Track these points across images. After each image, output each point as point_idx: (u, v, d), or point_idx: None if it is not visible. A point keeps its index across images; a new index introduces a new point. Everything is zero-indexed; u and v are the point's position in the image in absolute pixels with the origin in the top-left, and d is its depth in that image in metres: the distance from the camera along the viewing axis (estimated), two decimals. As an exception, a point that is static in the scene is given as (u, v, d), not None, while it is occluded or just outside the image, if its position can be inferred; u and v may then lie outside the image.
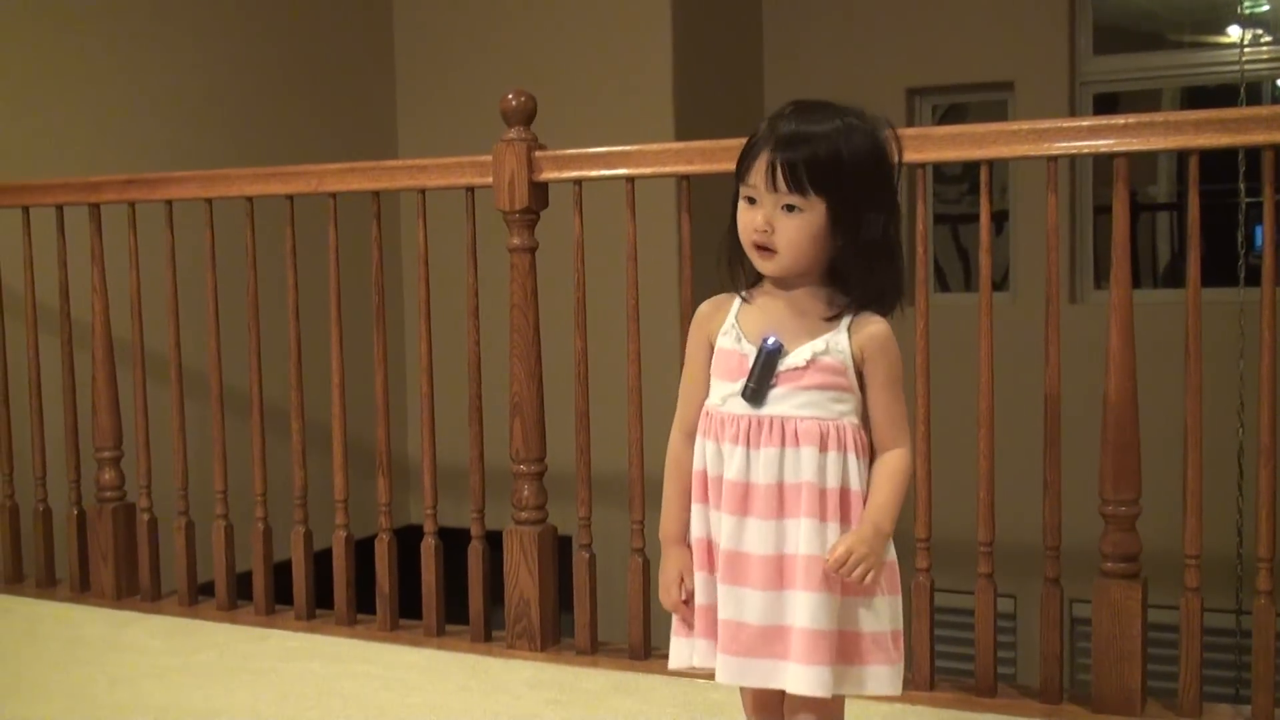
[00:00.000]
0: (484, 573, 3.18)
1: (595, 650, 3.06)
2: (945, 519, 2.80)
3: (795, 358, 1.76)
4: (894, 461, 1.79)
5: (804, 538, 1.74)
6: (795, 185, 1.72)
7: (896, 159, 1.80)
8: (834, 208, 1.73)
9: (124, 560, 3.60)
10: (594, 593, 3.08)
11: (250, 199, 3.37)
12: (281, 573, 3.44)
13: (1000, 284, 5.93)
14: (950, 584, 3.14)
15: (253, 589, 3.44)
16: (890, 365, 1.78)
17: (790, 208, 1.73)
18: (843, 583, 1.74)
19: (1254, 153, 3.93)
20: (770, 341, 1.77)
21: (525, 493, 3.08)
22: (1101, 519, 2.59)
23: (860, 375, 1.78)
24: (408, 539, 3.35)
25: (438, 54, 5.95)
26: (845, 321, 1.78)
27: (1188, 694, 2.55)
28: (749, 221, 1.77)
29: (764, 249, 1.76)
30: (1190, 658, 2.54)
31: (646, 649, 3.00)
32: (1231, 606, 4.44)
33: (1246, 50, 5.47)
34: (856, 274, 1.77)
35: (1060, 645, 2.65)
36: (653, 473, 2.94)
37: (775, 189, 1.73)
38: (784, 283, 1.81)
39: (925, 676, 2.72)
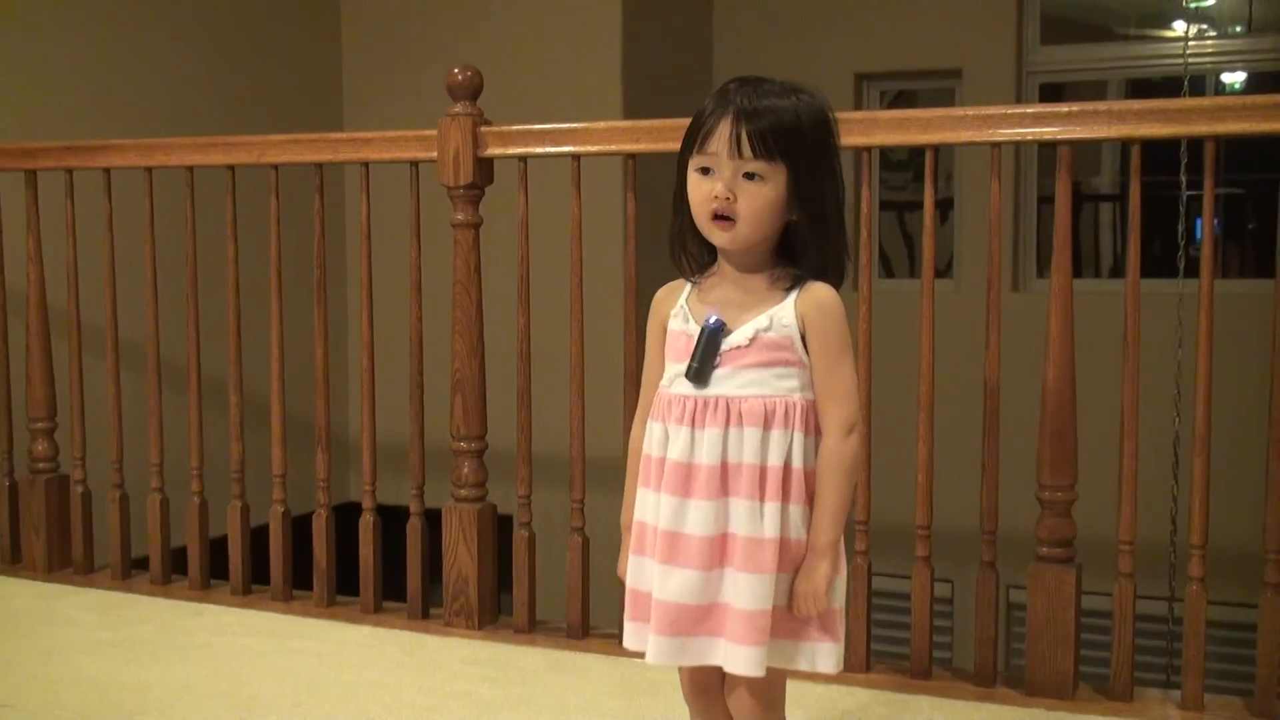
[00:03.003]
0: (422, 550, 3.17)
1: (533, 629, 3.06)
2: (884, 502, 2.82)
3: (738, 336, 1.75)
4: (826, 459, 1.76)
5: (743, 518, 1.73)
6: (762, 151, 1.71)
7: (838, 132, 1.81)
8: (795, 176, 1.72)
9: (56, 533, 3.56)
10: (533, 571, 3.08)
11: (190, 169, 3.33)
12: (218, 548, 3.41)
13: (944, 271, 5.97)
14: (888, 568, 3.15)
15: (188, 564, 3.41)
16: (828, 330, 1.76)
17: (751, 175, 1.72)
18: (784, 560, 1.73)
19: (1196, 146, 3.97)
20: (712, 321, 1.76)
21: (465, 470, 3.07)
22: (1038, 504, 2.61)
23: (806, 344, 1.77)
24: (346, 515, 3.33)
25: (384, 26, 5.90)
26: (793, 293, 1.77)
27: (1119, 679, 2.57)
28: (706, 191, 1.74)
29: (723, 218, 1.74)
30: (1122, 643, 2.57)
31: (585, 628, 3.00)
32: (1165, 593, 4.50)
33: (1190, 44, 5.52)
34: (814, 245, 1.76)
35: (995, 629, 2.68)
36: (594, 453, 2.95)
37: (740, 155, 1.71)
38: (735, 261, 1.79)
39: (861, 659, 2.73)
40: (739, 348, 1.75)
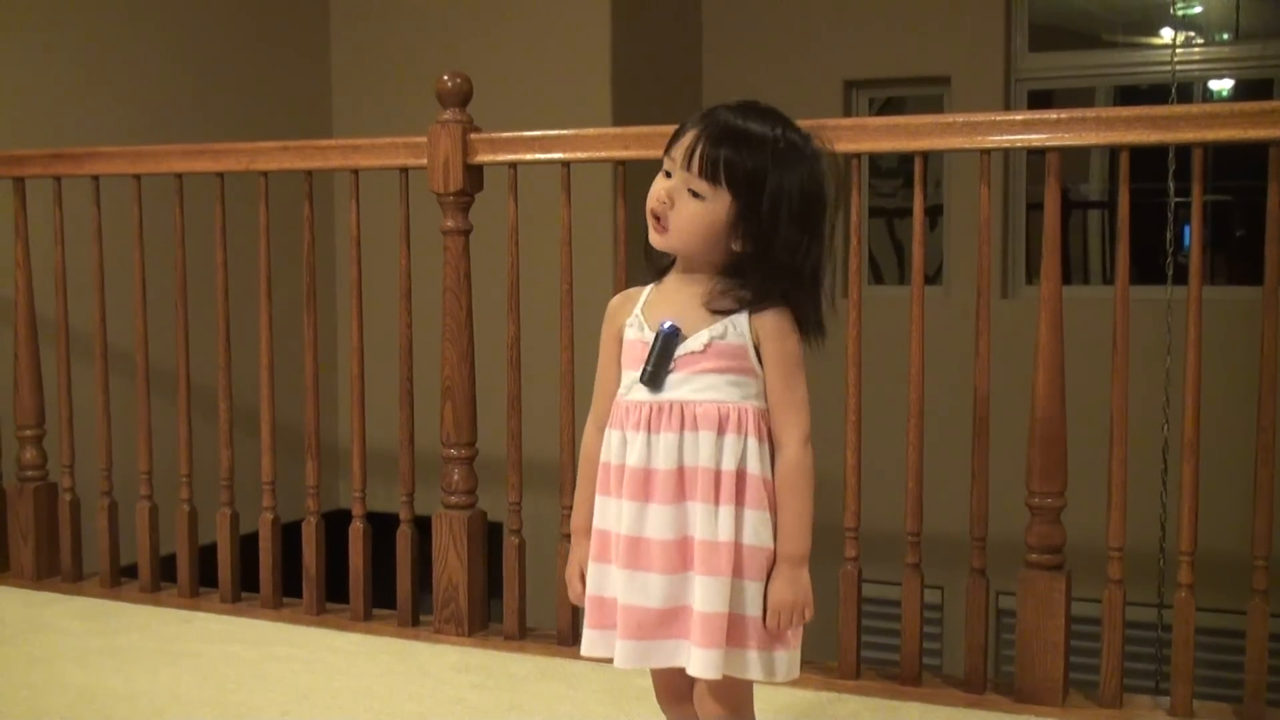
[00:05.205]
0: (412, 557, 3.16)
1: (523, 636, 3.06)
2: (874, 509, 2.82)
3: (693, 342, 1.77)
4: (789, 470, 1.78)
5: (699, 522, 1.75)
6: (709, 174, 1.74)
7: (830, 190, 1.81)
8: (741, 208, 1.74)
9: (45, 540, 3.55)
10: (523, 578, 3.07)
11: (180, 176, 3.32)
12: (207, 556, 3.40)
13: (933, 278, 5.97)
14: (879, 574, 3.15)
15: (177, 571, 3.40)
16: (783, 343, 1.77)
17: (695, 193, 1.75)
18: (740, 565, 1.75)
19: (1184, 153, 3.97)
20: (666, 326, 1.78)
21: (455, 477, 3.06)
22: (1028, 511, 2.61)
23: (760, 356, 1.78)
24: (336, 522, 3.32)
25: (374, 33, 5.88)
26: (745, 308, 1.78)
27: (1109, 685, 2.57)
28: (655, 190, 1.78)
29: (657, 219, 1.78)
30: (1112, 649, 2.57)
31: (574, 635, 2.99)
32: (1154, 600, 4.50)
33: (1178, 51, 5.53)
34: (760, 283, 1.77)
35: (985, 636, 2.67)
36: (583, 459, 2.94)
37: (689, 169, 1.75)
38: (689, 267, 1.82)
39: (851, 665, 2.73)
40: (693, 353, 1.77)
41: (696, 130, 1.75)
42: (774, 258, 1.76)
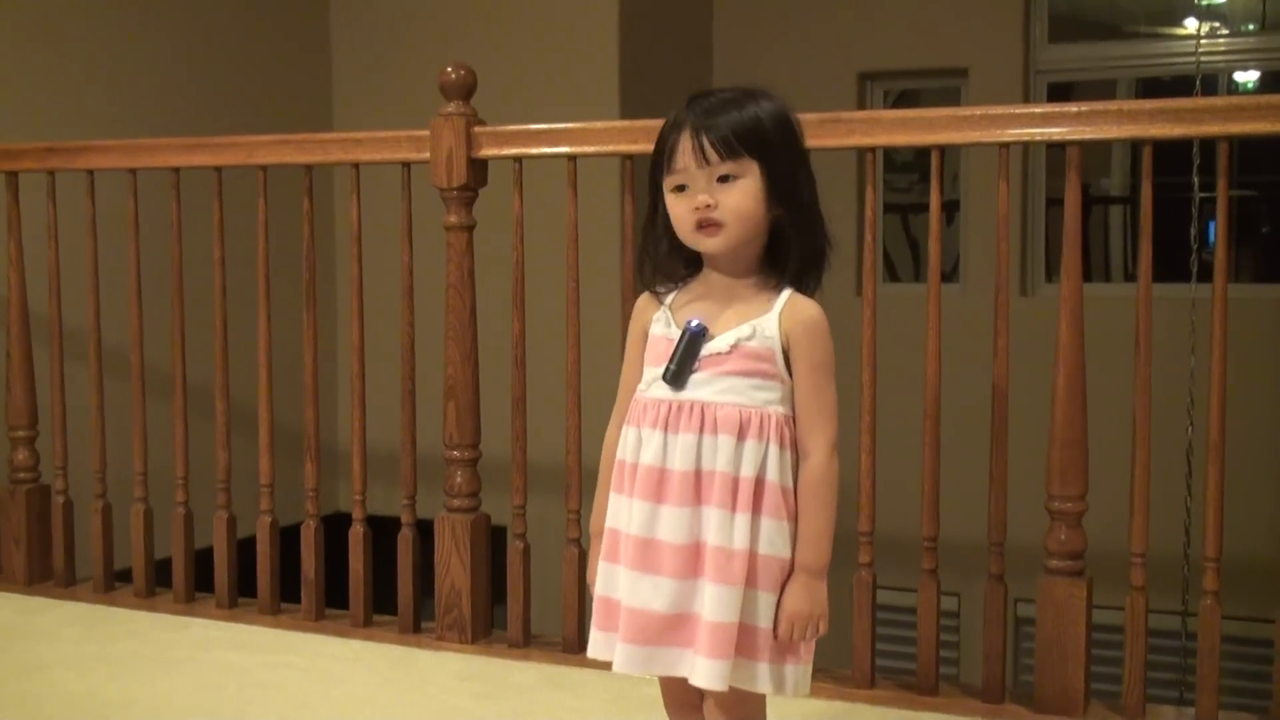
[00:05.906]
0: (414, 562, 3.12)
1: (528, 643, 3.02)
2: (890, 514, 2.78)
3: (719, 343, 1.76)
4: (814, 479, 1.76)
5: (713, 528, 1.73)
6: (728, 152, 1.73)
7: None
8: (768, 171, 1.74)
9: (37, 544, 3.51)
10: (527, 584, 3.03)
11: (176, 170, 3.29)
12: (203, 560, 3.37)
13: (950, 275, 5.93)
14: (894, 581, 3.10)
15: (172, 576, 3.36)
16: (813, 351, 1.77)
17: (725, 178, 1.74)
18: (753, 575, 1.73)
19: (1208, 146, 3.90)
20: (694, 324, 1.77)
21: (458, 479, 3.02)
22: (1048, 515, 2.57)
23: (790, 362, 1.77)
24: (336, 526, 3.29)
25: (375, 24, 5.86)
26: (778, 305, 1.77)
27: (1131, 695, 2.54)
28: (686, 206, 1.76)
29: (709, 225, 1.75)
30: (1135, 658, 2.53)
31: (580, 642, 2.94)
32: (1178, 608, 4.44)
33: (1202, 42, 5.48)
34: (798, 238, 1.77)
35: (1004, 644, 2.64)
36: (591, 461, 2.88)
37: (708, 162, 1.74)
38: (724, 268, 1.80)
39: (866, 674, 2.69)
40: (718, 354, 1.76)
41: (689, 128, 1.75)
42: (803, 204, 1.77)
